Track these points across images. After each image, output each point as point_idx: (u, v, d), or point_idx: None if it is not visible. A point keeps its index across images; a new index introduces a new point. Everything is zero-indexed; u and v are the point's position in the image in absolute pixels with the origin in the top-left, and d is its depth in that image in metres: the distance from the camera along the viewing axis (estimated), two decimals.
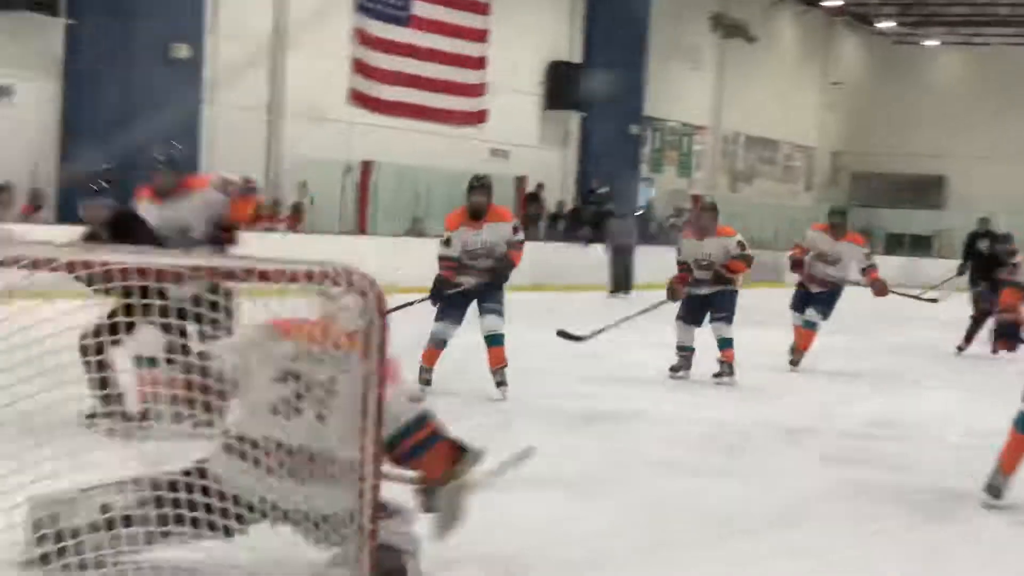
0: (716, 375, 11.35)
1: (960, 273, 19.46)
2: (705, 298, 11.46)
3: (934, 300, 15.01)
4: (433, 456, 4.63)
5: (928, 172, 39.23)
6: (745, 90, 33.94)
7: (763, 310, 16.21)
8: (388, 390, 4.36)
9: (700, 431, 9.10)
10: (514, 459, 5.11)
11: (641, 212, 28.67)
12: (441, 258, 9.70)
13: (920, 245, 34.08)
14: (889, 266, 28.61)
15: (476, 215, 9.82)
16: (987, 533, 6.47)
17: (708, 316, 11.42)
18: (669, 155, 31.96)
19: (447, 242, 9.80)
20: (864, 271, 12.72)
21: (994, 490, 6.84)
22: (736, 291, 11.61)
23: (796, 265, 12.91)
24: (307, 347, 4.56)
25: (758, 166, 35.83)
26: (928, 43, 40.22)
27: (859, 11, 37.70)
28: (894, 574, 5.72)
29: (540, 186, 26.33)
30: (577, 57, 27.56)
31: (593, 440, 8.30)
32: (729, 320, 11.40)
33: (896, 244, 36.22)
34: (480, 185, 9.97)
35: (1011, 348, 7.23)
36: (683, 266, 11.53)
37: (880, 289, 12.60)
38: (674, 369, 11.52)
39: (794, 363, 12.67)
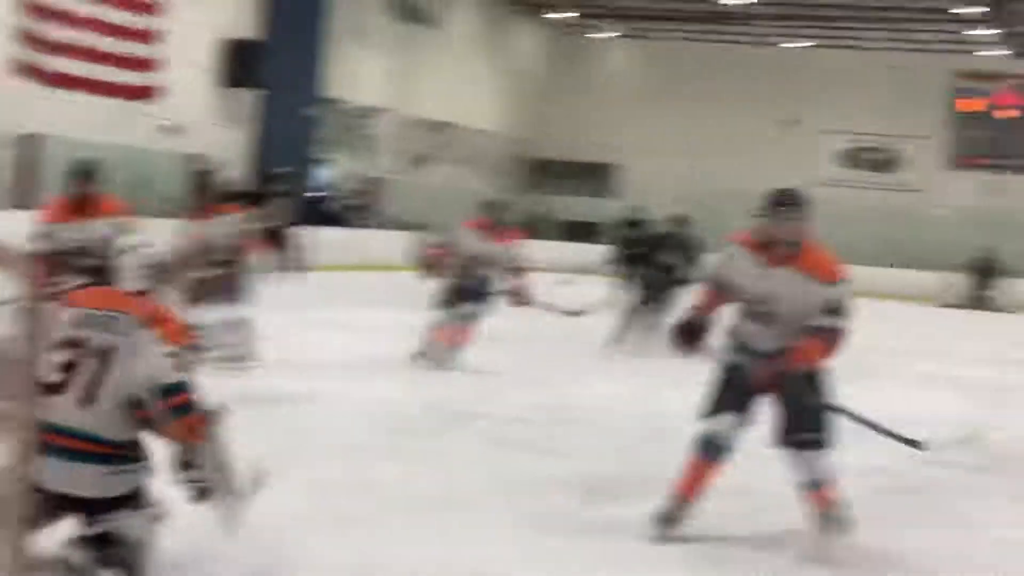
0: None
1: (610, 261, 20.05)
2: (213, 280, 10.58)
3: (578, 313, 13.44)
4: (183, 424, 4.54)
5: (601, 160, 40.38)
6: (425, 74, 34.14)
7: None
8: (153, 349, 4.47)
9: (368, 413, 9.15)
10: (249, 486, 4.97)
11: (323, 194, 28.53)
12: (33, 255, 8.55)
13: (590, 232, 34.99)
14: (558, 252, 29.48)
15: (78, 207, 8.75)
16: (646, 514, 6.69)
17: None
18: (349, 137, 31.85)
19: (38, 237, 8.58)
20: (511, 273, 11.54)
21: (668, 519, 6.24)
22: (243, 273, 10.82)
23: (433, 267, 11.79)
24: (90, 312, 4.52)
25: (437, 150, 36.09)
26: (603, 35, 41.37)
27: (537, 1, 38.43)
28: (550, 556, 5.88)
29: (214, 164, 25.78)
30: (255, 35, 27.16)
31: (260, 425, 8.19)
32: (235, 302, 10.65)
33: (566, 230, 37.14)
34: (82, 172, 8.88)
35: (691, 349, 6.35)
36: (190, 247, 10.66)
37: (519, 300, 11.56)
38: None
39: (425, 356, 11.61)
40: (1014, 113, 39.07)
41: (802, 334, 5.95)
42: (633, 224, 21.09)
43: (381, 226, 29.92)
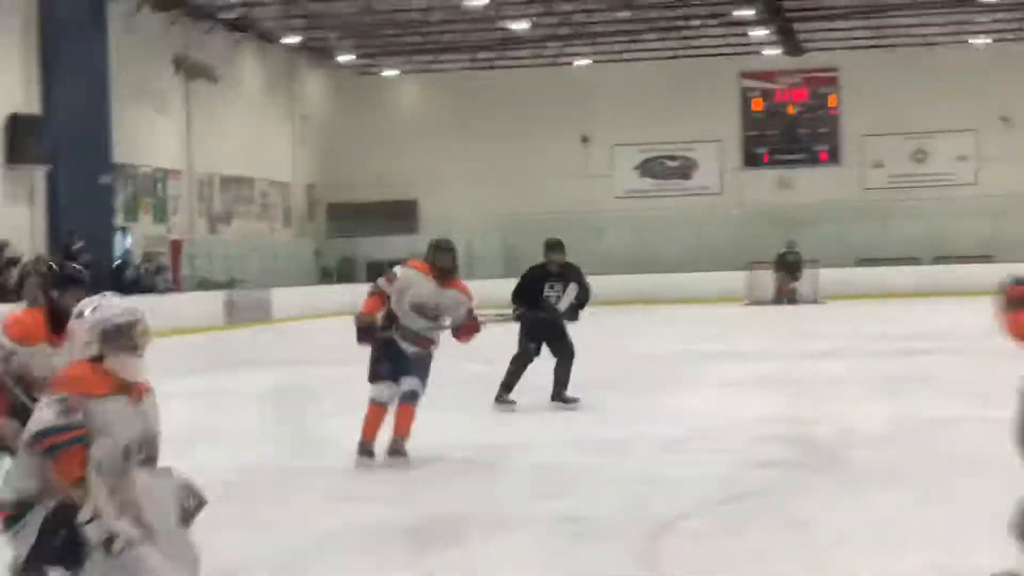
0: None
1: None
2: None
3: (519, 316, 12.45)
4: (68, 457, 4.48)
5: (401, 198, 40.36)
6: (215, 131, 33.72)
7: (252, 349, 16.11)
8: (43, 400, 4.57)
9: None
10: None
11: (123, 262, 27.94)
12: None
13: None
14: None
15: None
16: (484, 555, 6.65)
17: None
18: (144, 202, 31.27)
19: None
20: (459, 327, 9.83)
21: None
22: None
23: (366, 332, 9.55)
24: None
25: (235, 206, 35.64)
26: (388, 73, 41.39)
27: (318, 46, 38.27)
28: None
29: (3, 245, 24.96)
30: (36, 108, 26.49)
31: None
32: None
33: (377, 272, 36.99)
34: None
35: None
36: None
37: (471, 329, 9.97)
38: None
39: (394, 452, 9.40)
40: (798, 109, 40.26)
41: None
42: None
43: (186, 288, 29.49)
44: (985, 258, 33.65)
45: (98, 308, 4.77)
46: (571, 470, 8.90)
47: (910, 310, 26.90)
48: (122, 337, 4.72)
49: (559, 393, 12.38)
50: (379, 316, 9.49)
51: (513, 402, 12.25)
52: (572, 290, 12.51)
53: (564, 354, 12.45)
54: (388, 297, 9.50)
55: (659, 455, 9.75)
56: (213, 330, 26.11)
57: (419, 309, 9.46)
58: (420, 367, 9.51)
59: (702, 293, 31.83)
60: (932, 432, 10.56)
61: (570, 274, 12.67)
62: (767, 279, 32.39)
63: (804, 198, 38.03)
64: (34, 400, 6.06)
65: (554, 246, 12.79)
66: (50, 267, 6.96)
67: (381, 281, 9.66)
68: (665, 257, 35.79)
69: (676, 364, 16.70)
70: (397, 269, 9.72)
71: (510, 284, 12.90)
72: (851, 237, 36.00)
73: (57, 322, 6.19)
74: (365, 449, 9.34)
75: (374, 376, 9.46)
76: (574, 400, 12.31)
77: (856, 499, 7.90)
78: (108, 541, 4.47)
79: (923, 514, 7.43)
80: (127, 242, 29.58)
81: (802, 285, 32.10)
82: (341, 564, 6.53)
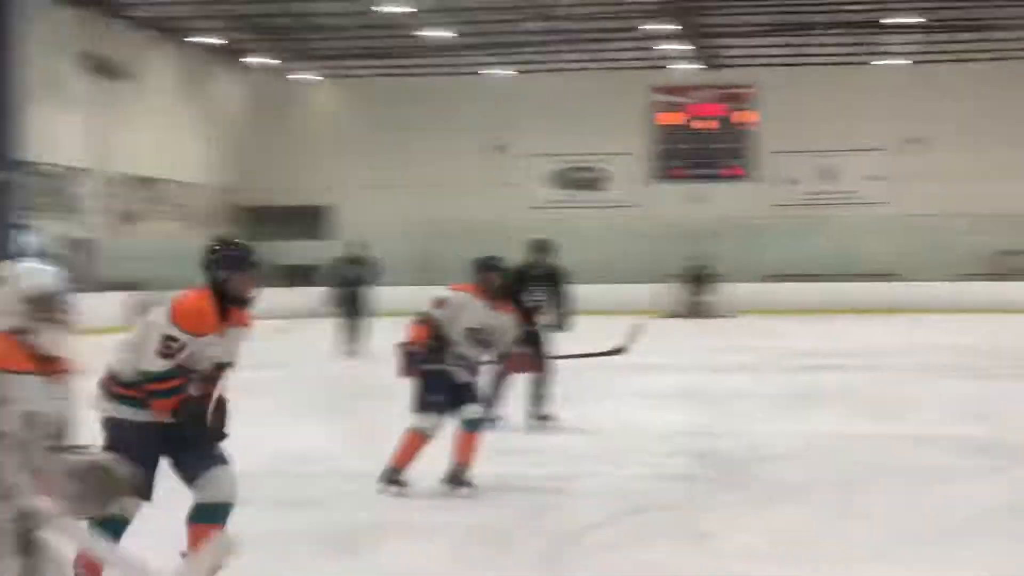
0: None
1: (333, 304, 19.77)
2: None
3: (618, 351, 11.12)
4: None
5: (315, 203, 40.05)
6: (126, 130, 33.24)
7: None
8: None
9: None
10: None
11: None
12: None
13: (310, 275, 34.57)
14: (277, 298, 29.06)
15: None
16: (390, 564, 6.56)
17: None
18: (49, 200, 30.74)
19: None
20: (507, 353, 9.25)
21: None
22: None
23: (411, 361, 8.63)
24: None
25: (145, 206, 35.20)
26: (305, 77, 41.12)
27: (235, 47, 37.90)
28: None
29: None
30: None
31: None
32: None
33: (287, 276, 36.66)
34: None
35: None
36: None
37: (529, 365, 9.92)
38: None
39: (456, 481, 8.58)
40: (711, 124, 40.51)
41: None
42: (353, 261, 20.91)
43: (91, 289, 29.01)
44: (891, 276, 34.09)
45: (22, 275, 4.37)
46: (480, 479, 8.80)
47: (819, 326, 27.15)
48: (51, 307, 4.36)
49: (536, 410, 11.79)
50: (423, 345, 8.61)
51: (499, 418, 11.29)
52: (551, 305, 12.10)
53: (543, 365, 11.57)
54: (436, 324, 8.66)
55: (568, 466, 9.70)
56: (117, 332, 25.69)
57: (474, 335, 8.71)
58: (477, 394, 8.84)
59: (613, 305, 31.80)
60: (840, 448, 10.60)
61: (555, 279, 12.29)
62: (679, 292, 32.52)
63: (716, 213, 38.23)
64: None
65: (541, 247, 12.26)
66: (216, 247, 6.15)
67: (430, 307, 8.78)
68: (576, 268, 35.75)
69: (586, 376, 16.67)
70: (446, 293, 8.89)
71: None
72: (763, 252, 36.19)
73: (223, 308, 5.84)
74: (397, 479, 8.47)
75: (423, 406, 8.52)
76: (552, 418, 11.73)
77: (764, 514, 7.90)
78: (22, 519, 4.15)
79: (830, 529, 7.44)
80: (31, 241, 29.07)
81: (714, 299, 32.25)
82: (235, 568, 6.38)
